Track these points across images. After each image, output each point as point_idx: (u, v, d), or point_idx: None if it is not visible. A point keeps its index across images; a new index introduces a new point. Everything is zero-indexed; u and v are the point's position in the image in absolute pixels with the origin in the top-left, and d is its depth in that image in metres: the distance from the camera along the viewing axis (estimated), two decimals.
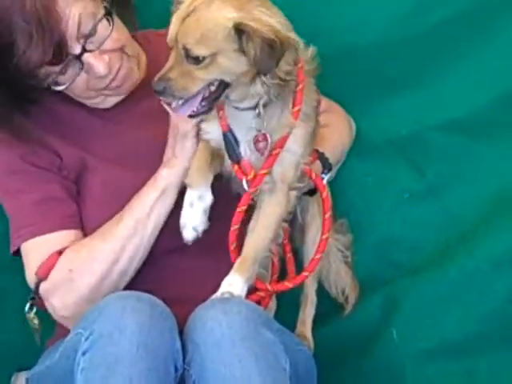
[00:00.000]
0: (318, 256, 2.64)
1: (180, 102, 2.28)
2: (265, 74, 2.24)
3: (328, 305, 3.03)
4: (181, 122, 2.45)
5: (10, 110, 2.58)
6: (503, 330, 2.88)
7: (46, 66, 2.46)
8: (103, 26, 2.53)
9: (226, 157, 2.47)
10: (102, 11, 2.54)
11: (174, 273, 2.67)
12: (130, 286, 2.58)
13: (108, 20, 2.54)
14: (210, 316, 2.26)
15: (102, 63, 2.53)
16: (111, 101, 2.69)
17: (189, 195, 2.44)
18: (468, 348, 2.87)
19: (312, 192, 2.72)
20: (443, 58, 3.06)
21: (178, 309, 2.35)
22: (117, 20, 2.59)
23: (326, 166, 2.70)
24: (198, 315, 2.30)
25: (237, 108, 2.38)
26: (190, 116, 2.31)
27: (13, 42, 2.41)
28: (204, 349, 2.22)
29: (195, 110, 2.29)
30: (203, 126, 2.47)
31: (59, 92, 2.61)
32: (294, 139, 2.42)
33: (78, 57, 2.49)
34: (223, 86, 2.26)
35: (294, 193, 2.51)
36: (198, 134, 2.49)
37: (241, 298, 2.39)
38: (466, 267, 2.94)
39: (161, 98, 2.26)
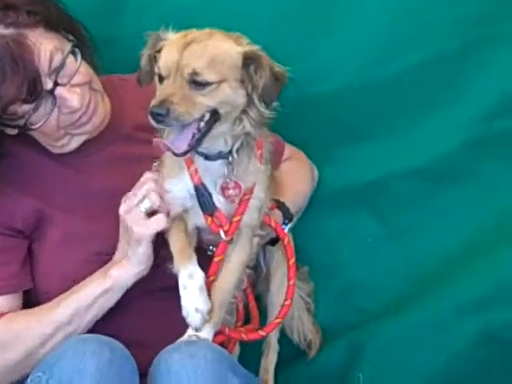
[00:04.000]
0: (287, 302, 2.65)
1: (172, 137, 2.26)
2: (267, 106, 2.27)
3: (290, 351, 3.02)
4: (136, 226, 2.41)
5: None
6: (468, 373, 2.91)
7: (20, 103, 2.44)
8: (71, 61, 2.53)
9: (191, 213, 2.45)
10: (69, 46, 2.54)
11: (136, 317, 2.64)
12: (91, 329, 2.54)
13: (75, 55, 2.54)
14: (176, 359, 2.23)
15: (76, 96, 2.51)
16: (77, 140, 2.64)
17: (180, 279, 2.38)
18: None
19: (274, 241, 2.72)
20: (406, 106, 3.09)
21: (139, 352, 2.32)
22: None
23: (287, 216, 2.71)
24: (163, 358, 2.27)
25: (207, 158, 2.36)
26: (185, 153, 2.26)
27: None
28: None
29: (188, 144, 2.25)
30: (168, 186, 2.43)
31: (24, 137, 2.59)
32: (258, 185, 2.43)
33: (51, 92, 2.48)
34: (213, 119, 2.25)
35: (256, 239, 2.51)
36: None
37: (207, 342, 2.36)
38: (430, 312, 2.97)
39: (158, 125, 2.20)
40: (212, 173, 2.39)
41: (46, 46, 2.46)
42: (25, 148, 2.66)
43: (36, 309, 2.57)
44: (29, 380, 2.32)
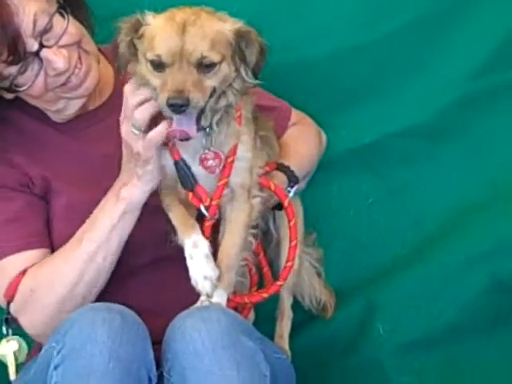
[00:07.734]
0: (289, 264, 2.63)
1: (178, 123, 2.23)
2: (256, 77, 2.29)
3: (305, 316, 3.06)
4: (139, 147, 2.36)
5: None
6: (479, 320, 3.01)
7: (3, 64, 2.42)
8: (58, 22, 2.49)
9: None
10: (55, 6, 2.50)
11: (145, 285, 2.64)
12: (101, 298, 2.53)
13: (62, 15, 2.51)
14: (189, 325, 2.23)
15: (62, 58, 2.46)
16: (74, 105, 2.60)
17: (186, 249, 2.39)
18: (448, 338, 3.00)
19: (281, 206, 2.70)
20: (396, 67, 3.12)
21: (150, 320, 2.32)
22: (71, 17, 2.55)
23: (292, 180, 2.70)
24: (177, 324, 2.27)
25: None
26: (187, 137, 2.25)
27: None
28: (183, 358, 2.19)
29: (197, 126, 2.25)
30: None
31: (23, 105, 2.59)
32: (241, 145, 2.42)
33: (36, 54, 2.44)
34: (210, 97, 2.24)
35: (257, 200, 2.50)
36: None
37: (220, 306, 2.37)
38: (438, 265, 3.05)
39: (177, 115, 2.18)
40: (192, 147, 2.37)
41: (29, 7, 2.41)
42: (26, 117, 2.64)
43: (59, 251, 2.54)
44: (43, 350, 2.33)
